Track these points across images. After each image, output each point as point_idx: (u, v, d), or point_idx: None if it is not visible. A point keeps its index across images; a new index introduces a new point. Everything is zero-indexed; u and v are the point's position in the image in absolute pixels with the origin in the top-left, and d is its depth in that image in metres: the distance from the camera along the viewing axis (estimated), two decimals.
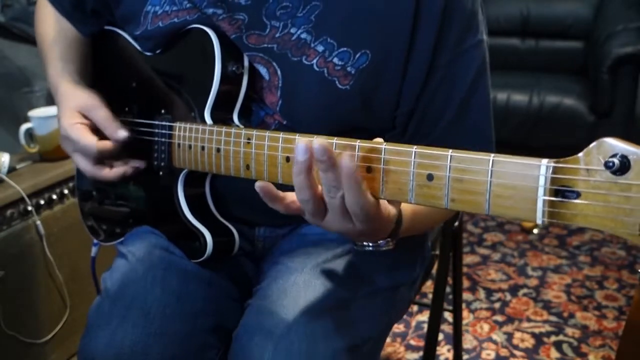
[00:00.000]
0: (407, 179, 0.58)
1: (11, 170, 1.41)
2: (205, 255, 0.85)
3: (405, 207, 0.75)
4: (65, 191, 1.47)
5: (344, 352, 0.74)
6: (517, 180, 0.51)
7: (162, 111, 0.89)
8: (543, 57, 3.10)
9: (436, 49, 0.77)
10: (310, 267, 0.83)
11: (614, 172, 0.46)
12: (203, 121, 0.82)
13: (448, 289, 1.34)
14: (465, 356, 1.66)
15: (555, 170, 0.49)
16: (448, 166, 0.55)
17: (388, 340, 1.75)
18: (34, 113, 1.50)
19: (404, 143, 0.78)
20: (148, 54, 0.93)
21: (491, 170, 0.52)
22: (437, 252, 1.21)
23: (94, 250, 1.14)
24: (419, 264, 0.96)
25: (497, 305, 1.92)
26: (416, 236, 0.96)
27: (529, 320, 1.83)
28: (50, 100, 2.08)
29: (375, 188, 0.61)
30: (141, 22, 0.90)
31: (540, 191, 0.50)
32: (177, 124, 0.85)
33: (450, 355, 1.66)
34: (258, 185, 0.63)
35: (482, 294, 1.99)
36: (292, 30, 0.80)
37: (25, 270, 1.37)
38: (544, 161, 0.50)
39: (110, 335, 0.79)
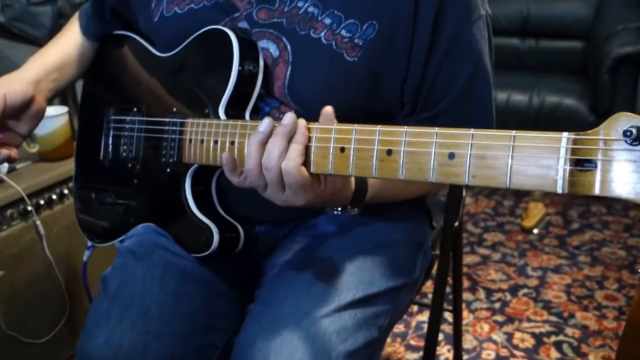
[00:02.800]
0: (428, 159, 0.60)
1: (11, 170, 1.41)
2: (211, 249, 0.85)
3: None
4: (65, 191, 1.47)
5: (346, 357, 0.74)
6: (538, 153, 0.53)
7: (174, 109, 0.90)
8: (543, 57, 3.10)
9: (438, 21, 0.78)
10: (310, 272, 0.83)
11: (631, 142, 0.49)
12: (217, 118, 0.83)
13: (448, 289, 1.34)
14: (465, 356, 1.66)
15: (575, 142, 0.52)
16: (470, 144, 0.57)
17: (388, 340, 1.75)
18: None
19: (412, 120, 0.81)
20: (162, 55, 0.95)
21: (513, 146, 0.55)
22: (437, 252, 1.21)
23: (86, 254, 1.14)
24: (419, 265, 0.96)
25: (497, 305, 1.92)
26: (415, 237, 0.97)
27: (529, 320, 1.83)
28: (50, 100, 2.08)
29: (394, 169, 0.62)
30: (156, 8, 0.91)
31: (561, 162, 0.52)
32: (190, 120, 0.86)
33: (450, 355, 1.66)
34: (225, 155, 0.75)
35: (482, 294, 1.99)
36: (300, 4, 0.81)
37: (25, 270, 1.37)
38: (565, 134, 0.52)
39: (109, 334, 0.79)
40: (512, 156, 0.55)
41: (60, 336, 1.47)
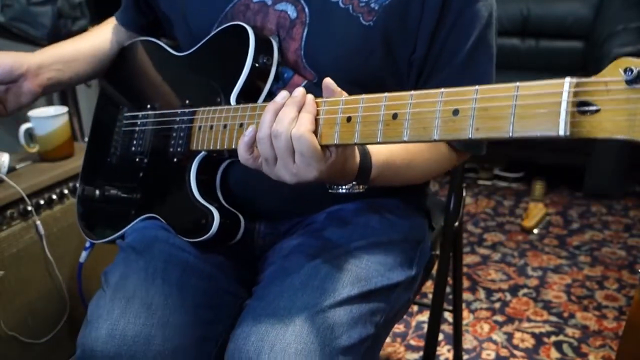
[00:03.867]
0: (432, 117, 0.61)
1: (11, 170, 1.41)
2: (211, 232, 0.85)
3: (376, 154, 0.79)
4: (65, 191, 1.47)
5: (340, 352, 0.75)
6: (541, 99, 0.53)
7: (187, 102, 0.92)
8: (543, 57, 3.10)
9: None
10: (306, 268, 0.83)
11: (631, 81, 0.48)
12: (228, 105, 0.84)
13: (448, 289, 1.34)
14: (465, 356, 1.66)
15: (578, 85, 0.52)
16: (474, 99, 0.57)
17: (388, 340, 1.75)
18: (34, 113, 1.50)
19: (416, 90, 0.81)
20: (179, 54, 0.97)
21: (517, 95, 0.55)
22: (437, 252, 1.21)
23: (83, 255, 1.14)
24: (417, 264, 0.96)
25: (497, 305, 1.92)
26: (413, 237, 0.97)
27: (529, 320, 1.83)
28: (50, 100, 2.08)
29: (398, 131, 0.63)
30: None
31: (564, 105, 0.52)
32: (201, 109, 0.87)
33: (450, 355, 1.66)
34: (251, 127, 0.73)
35: (482, 294, 1.99)
36: None
37: (25, 270, 1.37)
38: (567, 78, 0.52)
39: (112, 326, 0.79)
40: (515, 105, 0.54)
41: (60, 336, 1.48)
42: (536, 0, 3.10)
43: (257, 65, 0.84)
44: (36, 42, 1.95)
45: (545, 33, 3.09)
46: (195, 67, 0.93)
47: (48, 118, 1.47)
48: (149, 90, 1.01)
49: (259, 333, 0.75)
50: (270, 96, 0.87)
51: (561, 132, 0.52)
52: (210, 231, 0.85)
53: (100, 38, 1.09)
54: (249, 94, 0.85)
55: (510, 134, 0.55)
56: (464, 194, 1.24)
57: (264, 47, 0.84)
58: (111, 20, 1.13)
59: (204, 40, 0.92)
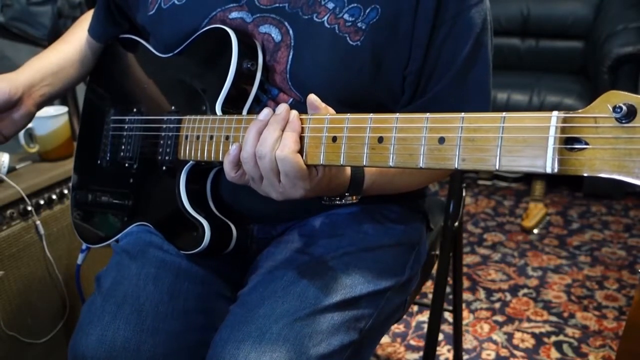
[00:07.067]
0: (418, 144, 0.60)
1: (11, 170, 1.41)
2: (202, 245, 0.85)
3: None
4: (65, 191, 1.46)
5: (318, 359, 0.74)
6: (528, 133, 0.52)
7: (172, 108, 0.91)
8: (543, 57, 3.10)
9: (441, 3, 0.79)
10: (291, 275, 0.82)
11: (621, 118, 0.47)
12: (214, 114, 0.83)
13: (448, 289, 1.34)
14: (465, 356, 1.66)
15: (565, 120, 0.50)
16: (460, 127, 0.56)
17: (388, 340, 1.75)
18: None
19: (413, 103, 0.79)
20: (163, 55, 0.95)
21: (503, 127, 0.54)
22: (437, 252, 1.21)
23: (80, 257, 1.14)
24: (410, 267, 0.94)
25: (497, 305, 1.92)
26: (408, 240, 0.96)
27: (529, 320, 1.83)
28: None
29: (384, 156, 0.62)
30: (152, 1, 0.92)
31: (551, 140, 0.51)
32: (187, 117, 0.86)
33: (450, 355, 1.66)
34: (235, 145, 0.73)
35: (482, 294, 1.99)
36: None
37: (25, 270, 1.37)
38: (554, 113, 0.51)
39: (102, 332, 0.79)
40: (501, 137, 0.54)
41: (60, 336, 1.47)
42: (536, 0, 3.10)
43: (241, 71, 0.82)
44: (36, 42, 1.95)
45: (545, 33, 3.09)
46: (179, 71, 0.92)
47: (48, 118, 1.47)
48: (135, 92, 1.00)
49: (236, 340, 0.75)
50: (257, 102, 0.86)
51: (548, 170, 0.51)
52: (202, 245, 0.85)
53: (83, 38, 1.06)
54: (235, 101, 0.84)
55: (497, 167, 0.54)
56: (464, 194, 1.24)
57: (247, 52, 0.83)
58: (90, 14, 1.09)
59: (187, 42, 0.90)
